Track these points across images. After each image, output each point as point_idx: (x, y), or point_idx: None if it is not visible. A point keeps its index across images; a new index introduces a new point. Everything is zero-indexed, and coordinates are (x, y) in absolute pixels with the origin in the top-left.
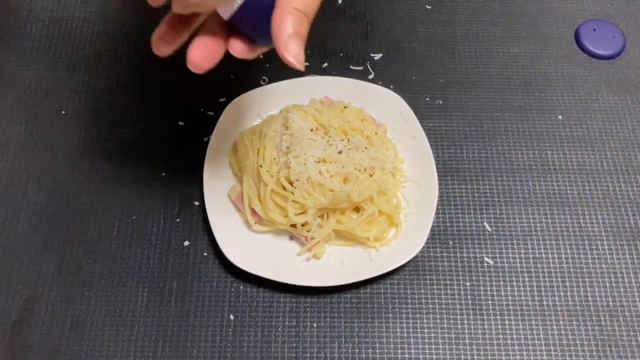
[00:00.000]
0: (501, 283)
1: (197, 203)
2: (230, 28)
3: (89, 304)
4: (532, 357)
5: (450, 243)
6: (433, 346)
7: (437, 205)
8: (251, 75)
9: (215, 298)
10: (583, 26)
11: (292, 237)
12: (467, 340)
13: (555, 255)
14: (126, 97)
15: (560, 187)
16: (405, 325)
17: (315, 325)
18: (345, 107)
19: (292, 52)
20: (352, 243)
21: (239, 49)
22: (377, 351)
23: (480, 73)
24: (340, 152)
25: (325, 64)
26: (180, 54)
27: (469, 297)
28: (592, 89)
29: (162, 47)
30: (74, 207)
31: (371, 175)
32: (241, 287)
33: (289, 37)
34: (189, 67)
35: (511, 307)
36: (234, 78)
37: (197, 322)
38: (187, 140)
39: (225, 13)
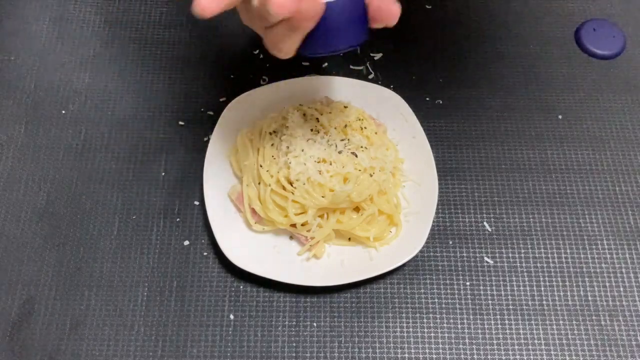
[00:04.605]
0: (501, 283)
1: (197, 203)
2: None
3: (89, 304)
4: (532, 357)
5: (450, 243)
6: (433, 346)
7: (437, 205)
8: (251, 75)
9: (215, 298)
10: (583, 26)
11: (292, 237)
12: (467, 340)
13: (555, 255)
14: (126, 97)
15: (560, 187)
16: (405, 325)
17: (315, 325)
18: (345, 107)
19: None
20: (352, 243)
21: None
22: (377, 351)
23: (480, 73)
24: (340, 152)
25: (325, 64)
26: (181, 55)
27: (469, 297)
28: (592, 89)
29: None
30: (74, 207)
31: (371, 175)
32: (241, 287)
33: None
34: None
35: (511, 307)
36: (234, 78)
37: (197, 321)
38: (187, 140)
39: None
